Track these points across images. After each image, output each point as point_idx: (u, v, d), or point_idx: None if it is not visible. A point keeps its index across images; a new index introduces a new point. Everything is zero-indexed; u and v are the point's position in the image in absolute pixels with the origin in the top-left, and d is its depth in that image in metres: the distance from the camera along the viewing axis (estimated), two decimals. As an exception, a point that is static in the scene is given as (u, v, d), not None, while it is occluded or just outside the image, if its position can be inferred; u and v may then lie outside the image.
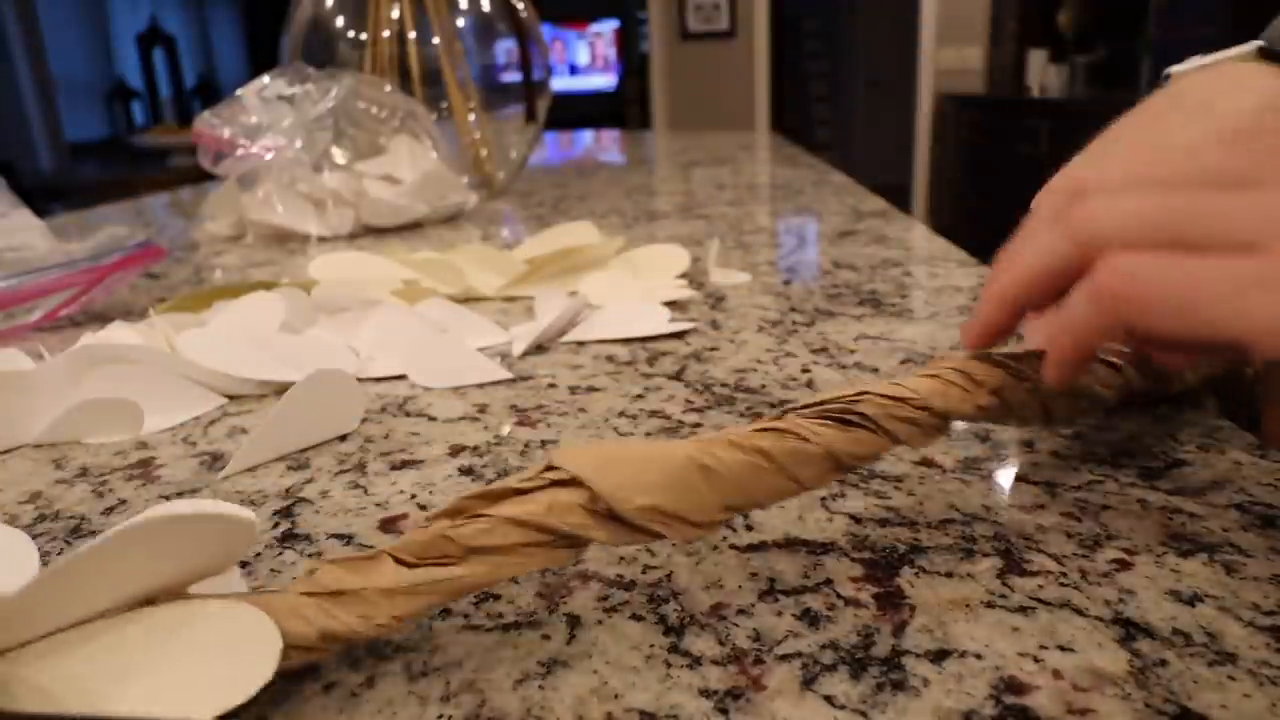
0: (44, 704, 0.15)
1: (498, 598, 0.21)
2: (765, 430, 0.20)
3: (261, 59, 6.25)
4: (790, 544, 0.23)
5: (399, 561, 0.18)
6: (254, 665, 0.16)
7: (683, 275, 0.53)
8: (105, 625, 0.17)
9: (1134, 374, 0.28)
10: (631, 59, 6.32)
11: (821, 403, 0.22)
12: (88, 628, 0.17)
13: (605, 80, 6.52)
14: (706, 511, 0.19)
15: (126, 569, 0.17)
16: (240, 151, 0.72)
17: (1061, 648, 0.19)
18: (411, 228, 0.76)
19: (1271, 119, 0.27)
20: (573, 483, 0.19)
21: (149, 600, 0.18)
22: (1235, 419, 0.31)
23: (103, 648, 0.16)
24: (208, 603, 0.17)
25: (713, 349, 0.40)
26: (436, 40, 0.88)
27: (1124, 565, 0.21)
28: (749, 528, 0.24)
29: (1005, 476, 0.27)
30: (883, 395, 0.22)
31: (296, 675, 0.19)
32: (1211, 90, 0.29)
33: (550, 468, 0.19)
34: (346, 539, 0.25)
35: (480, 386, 0.37)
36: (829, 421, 0.21)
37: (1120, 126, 0.30)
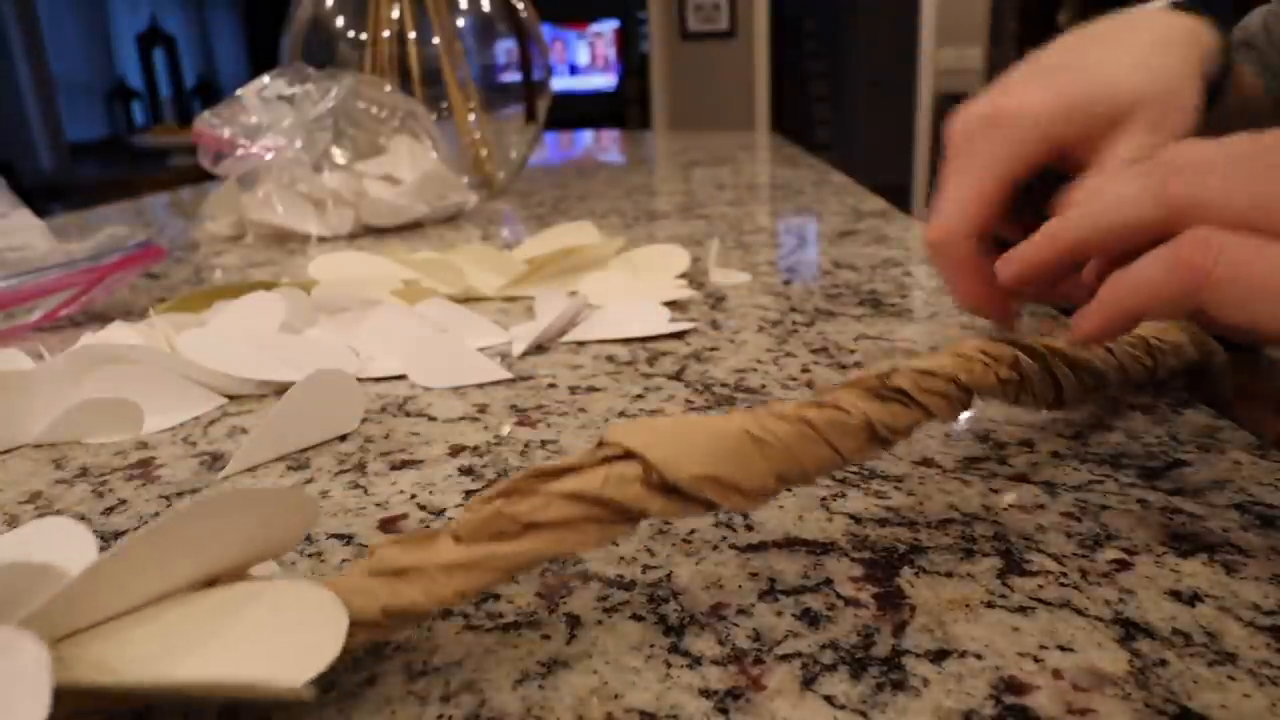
0: (106, 677, 0.15)
1: (497, 598, 0.21)
2: (807, 404, 0.21)
3: (261, 59, 6.25)
4: (790, 544, 0.23)
5: (458, 540, 0.18)
6: (321, 641, 0.16)
7: (683, 275, 0.53)
8: (168, 605, 0.17)
9: (1129, 357, 0.29)
10: (631, 59, 6.32)
11: (855, 381, 0.22)
12: (150, 608, 0.17)
13: (605, 80, 6.52)
14: (758, 480, 0.20)
15: (189, 549, 0.17)
16: (240, 151, 0.72)
17: (1061, 648, 0.19)
18: (411, 228, 0.76)
19: (1167, 34, 0.31)
20: (627, 457, 0.19)
21: (210, 582, 0.18)
22: (1208, 403, 0.32)
23: (166, 625, 0.16)
24: (271, 582, 0.17)
25: (713, 349, 0.40)
26: (436, 40, 0.88)
27: (1124, 565, 0.21)
28: (749, 528, 0.24)
29: (1005, 476, 0.27)
30: (912, 369, 0.22)
31: (296, 675, 0.19)
32: (1121, 22, 0.32)
33: (603, 444, 0.19)
34: (346, 539, 0.25)
35: (480, 386, 0.37)
36: (865, 395, 0.22)
37: (1033, 59, 0.33)
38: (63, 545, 0.22)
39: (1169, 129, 0.29)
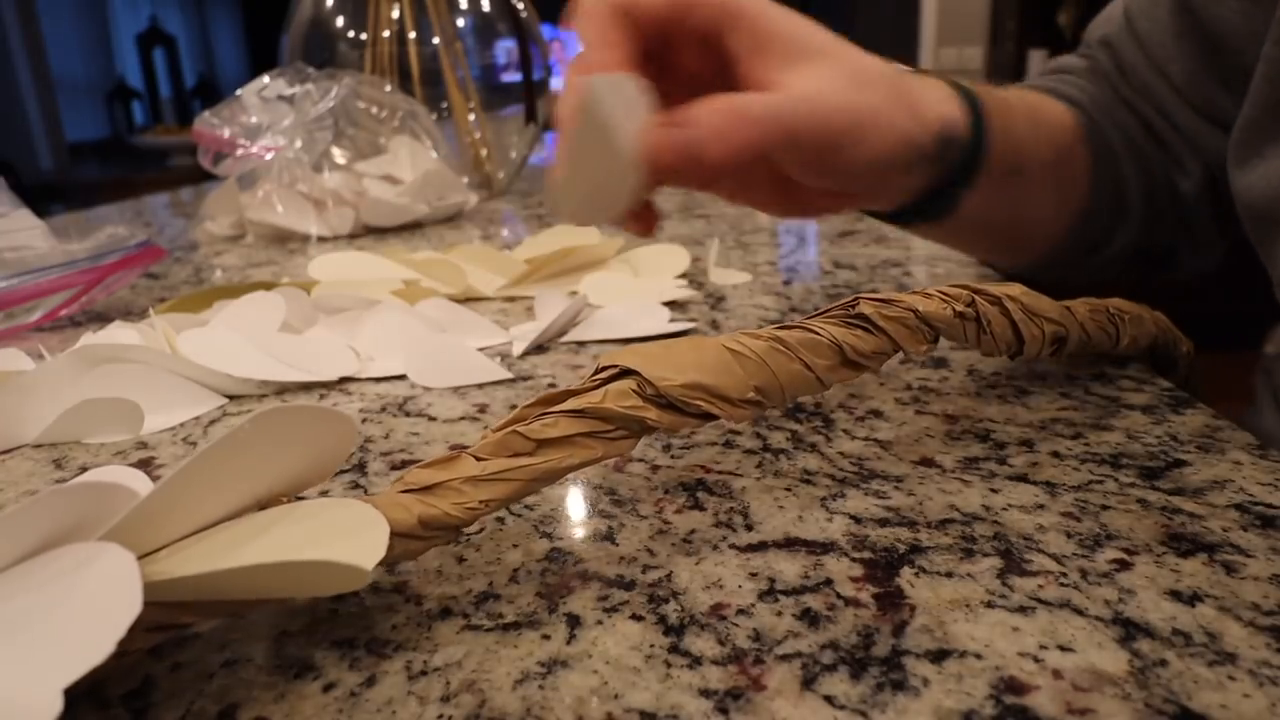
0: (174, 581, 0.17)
1: (498, 598, 0.21)
2: (779, 326, 0.23)
3: (261, 59, 6.24)
4: (790, 544, 0.23)
5: (478, 460, 0.20)
6: (367, 545, 0.18)
7: (683, 275, 0.53)
8: (230, 524, 0.18)
9: (1089, 320, 0.30)
10: (631, 59, 6.31)
11: (822, 311, 0.24)
12: (213, 530, 0.18)
13: (605, 80, 6.50)
14: (740, 390, 0.22)
15: (241, 471, 0.18)
16: (240, 151, 0.72)
17: (1061, 648, 0.19)
18: (411, 228, 0.76)
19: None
20: (623, 375, 0.21)
21: (261, 507, 0.19)
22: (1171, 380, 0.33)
23: (227, 539, 0.18)
24: (316, 500, 0.19)
25: (713, 349, 0.40)
26: (436, 40, 0.88)
27: (1124, 565, 0.21)
28: (749, 527, 0.24)
29: (1005, 476, 0.27)
30: (872, 298, 0.24)
31: (296, 674, 0.19)
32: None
33: (601, 369, 0.21)
34: (346, 539, 0.25)
35: (480, 386, 0.37)
36: (832, 321, 0.24)
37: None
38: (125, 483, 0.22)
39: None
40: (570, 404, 0.21)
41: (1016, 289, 0.28)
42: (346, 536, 0.18)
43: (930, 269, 0.53)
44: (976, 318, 0.26)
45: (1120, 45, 0.44)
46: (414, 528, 0.19)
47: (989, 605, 0.20)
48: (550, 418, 0.20)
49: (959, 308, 0.25)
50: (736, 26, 0.28)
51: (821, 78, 0.28)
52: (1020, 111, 0.39)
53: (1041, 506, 0.25)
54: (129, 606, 0.15)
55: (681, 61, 0.29)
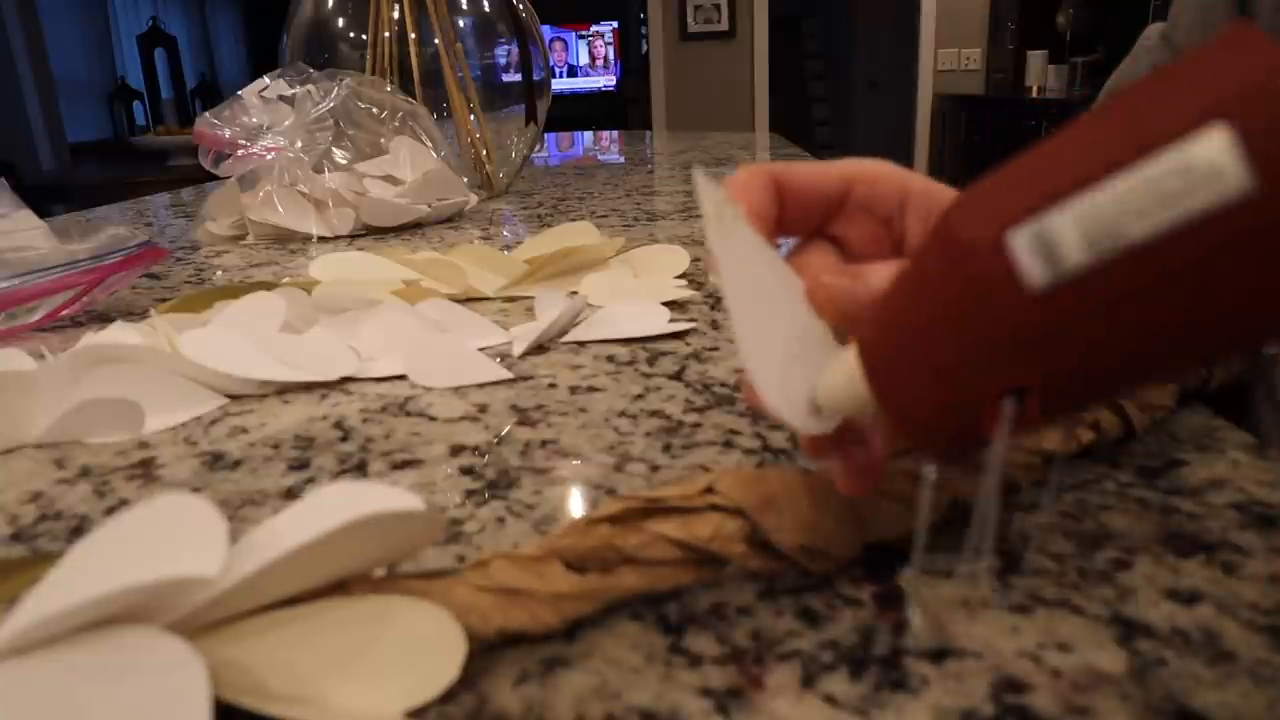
0: (253, 691, 0.17)
1: (498, 597, 0.21)
2: (907, 474, 0.23)
3: (261, 59, 6.25)
4: (790, 544, 0.23)
5: (567, 566, 0.20)
6: (441, 666, 0.18)
7: (682, 275, 0.53)
8: (304, 613, 0.18)
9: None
10: (631, 59, 6.33)
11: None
12: (287, 614, 0.18)
13: (605, 80, 6.52)
14: (849, 549, 0.21)
15: (328, 560, 0.18)
16: (241, 152, 0.72)
17: (1060, 647, 0.19)
18: (412, 228, 0.76)
19: None
20: (734, 513, 0.20)
21: (339, 582, 0.19)
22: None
23: (304, 637, 0.18)
24: (398, 601, 0.19)
25: (713, 349, 0.40)
26: (437, 41, 0.88)
27: (1123, 565, 0.22)
28: (749, 527, 0.24)
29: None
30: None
31: (297, 674, 0.19)
32: None
33: (713, 490, 0.21)
34: (347, 539, 0.25)
35: (480, 386, 0.37)
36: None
37: None
38: (192, 529, 0.20)
39: None
40: (675, 530, 0.20)
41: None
42: (420, 653, 0.18)
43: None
44: (1096, 435, 0.26)
45: None
46: (490, 637, 0.19)
47: (988, 605, 0.20)
48: (649, 537, 0.20)
49: (1085, 439, 0.26)
50: (912, 205, 0.25)
51: None
52: None
53: (1040, 505, 0.25)
54: None
55: (851, 236, 0.26)
